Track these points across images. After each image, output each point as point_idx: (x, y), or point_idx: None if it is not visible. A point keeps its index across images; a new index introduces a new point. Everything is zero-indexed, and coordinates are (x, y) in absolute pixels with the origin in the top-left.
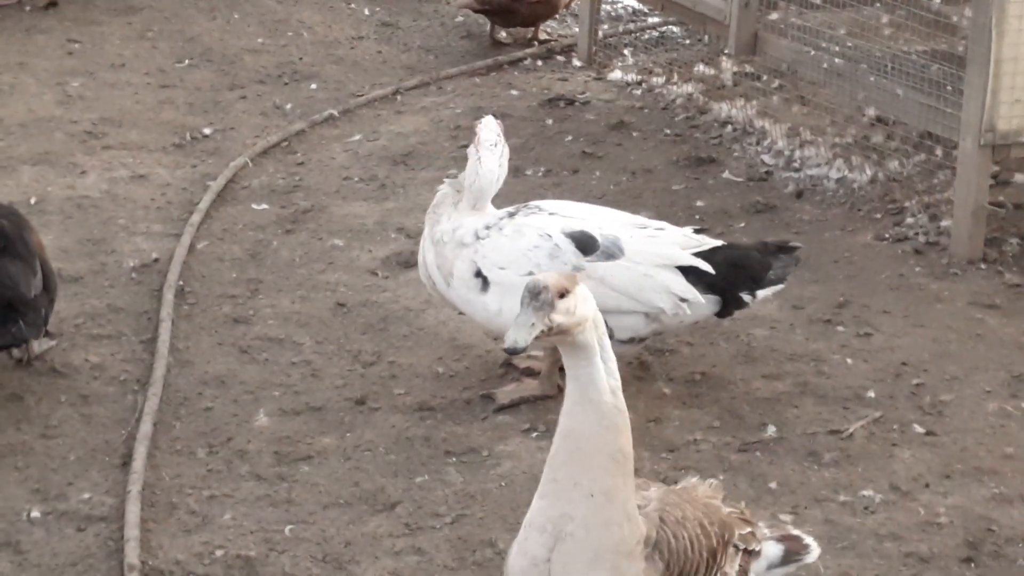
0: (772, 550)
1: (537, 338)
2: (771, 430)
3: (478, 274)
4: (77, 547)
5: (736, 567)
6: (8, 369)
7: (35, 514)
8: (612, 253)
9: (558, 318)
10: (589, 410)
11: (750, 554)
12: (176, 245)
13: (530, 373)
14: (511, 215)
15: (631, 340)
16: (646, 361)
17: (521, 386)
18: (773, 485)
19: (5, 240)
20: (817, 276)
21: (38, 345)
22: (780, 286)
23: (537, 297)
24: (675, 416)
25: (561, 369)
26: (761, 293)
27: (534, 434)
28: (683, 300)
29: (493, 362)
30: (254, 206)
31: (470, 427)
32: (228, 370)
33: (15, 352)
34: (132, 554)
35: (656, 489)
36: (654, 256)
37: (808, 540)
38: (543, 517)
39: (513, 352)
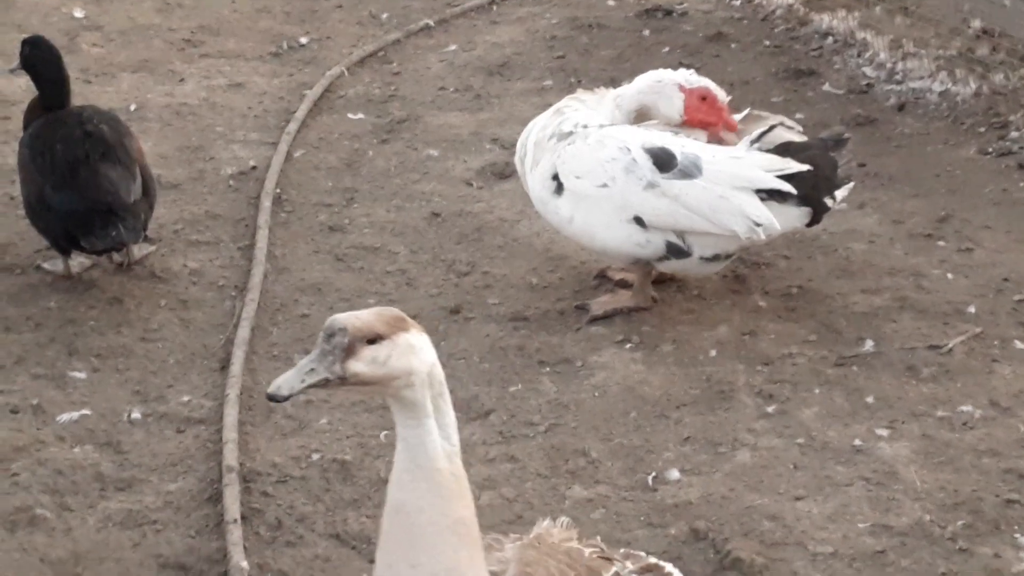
0: None
1: (319, 387)
2: (869, 345)
3: (555, 177)
4: (176, 448)
5: None
6: (109, 274)
7: (135, 415)
8: (689, 172)
9: (358, 367)
10: (420, 478)
11: None
12: (273, 153)
13: (624, 285)
14: (601, 125)
15: (715, 257)
16: (742, 275)
17: (615, 297)
18: (870, 399)
19: (105, 146)
20: (918, 190)
21: (138, 250)
22: (851, 184)
23: (329, 339)
24: (770, 329)
25: (655, 281)
26: (839, 194)
27: (628, 345)
28: (758, 224)
29: (587, 273)
30: (350, 115)
31: (564, 337)
32: (324, 278)
33: (115, 256)
34: (230, 456)
35: (512, 546)
36: (733, 178)
37: (670, 569)
38: None
39: (273, 400)
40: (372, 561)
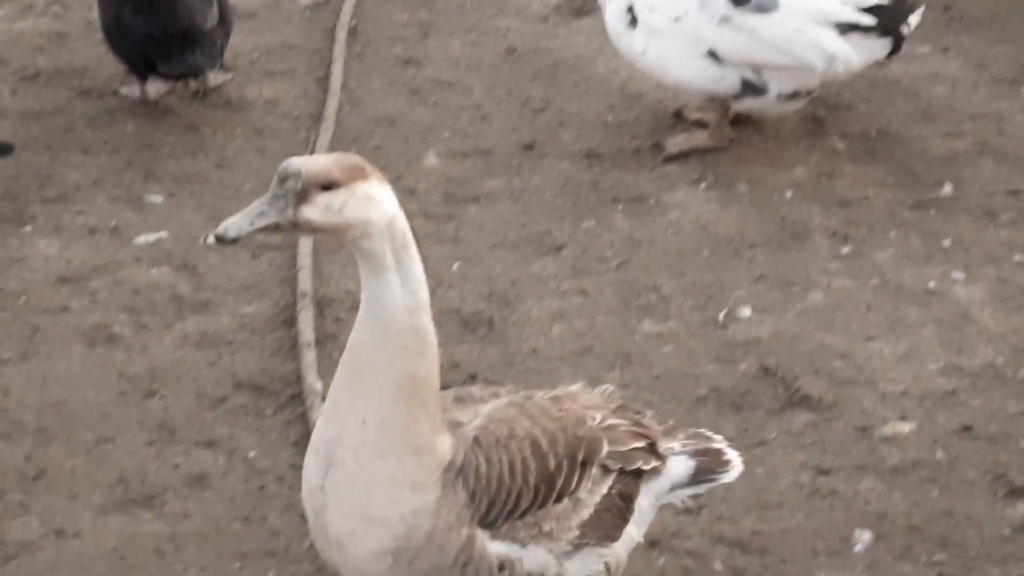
0: (679, 468)
1: (270, 231)
2: (947, 189)
3: (630, 10)
4: (251, 273)
5: (605, 490)
6: (185, 100)
7: (211, 240)
8: (765, 6)
9: (310, 214)
10: (375, 328)
11: (640, 474)
12: None
13: (701, 124)
14: None
15: (793, 95)
16: (820, 117)
17: (691, 136)
18: (946, 243)
19: None
20: (1004, 35)
21: (213, 77)
22: (922, 7)
23: (282, 183)
24: (848, 172)
25: (732, 121)
26: (912, 19)
27: (703, 185)
28: (835, 57)
29: (663, 112)
30: None
31: (638, 175)
32: (398, 110)
33: (191, 83)
34: (305, 281)
35: (493, 404)
36: (810, 11)
37: (730, 455)
38: (318, 438)
39: (221, 242)
40: (443, 387)
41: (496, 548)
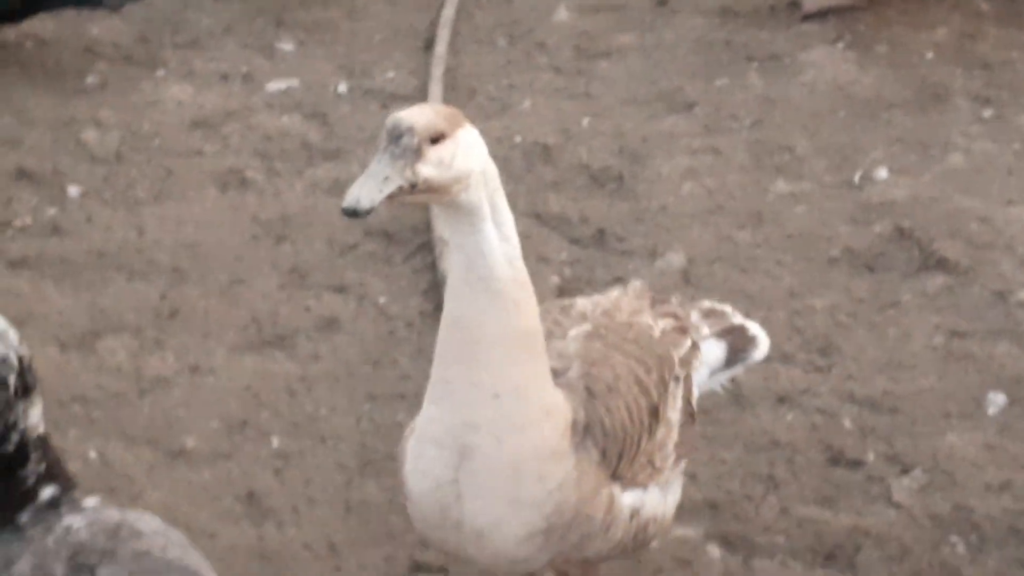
0: (713, 353)
1: (393, 196)
2: None
3: None
4: (381, 123)
5: (679, 404)
6: None
7: (342, 89)
8: None
9: (427, 171)
10: (479, 289)
11: (690, 376)
12: None
13: None
14: None
15: None
16: None
17: None
18: None
19: None
20: None
21: None
22: None
23: (398, 141)
24: (992, 34)
25: None
26: None
27: (840, 44)
28: None
29: None
30: None
31: (774, 33)
32: None
33: None
34: None
35: (575, 334)
36: None
37: (754, 330)
38: (439, 428)
39: (354, 215)
40: (573, 241)
41: (628, 499)
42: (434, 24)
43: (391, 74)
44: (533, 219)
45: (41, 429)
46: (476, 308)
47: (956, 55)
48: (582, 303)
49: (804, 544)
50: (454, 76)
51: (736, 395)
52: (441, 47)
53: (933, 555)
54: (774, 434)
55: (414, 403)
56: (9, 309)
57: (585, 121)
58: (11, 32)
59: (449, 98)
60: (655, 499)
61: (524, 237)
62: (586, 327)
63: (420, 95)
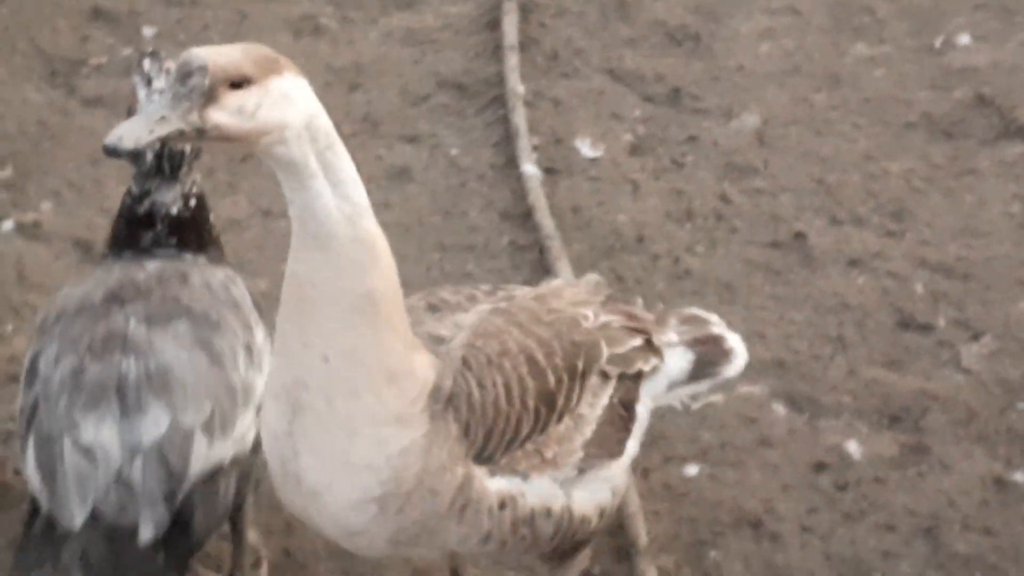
0: (677, 362)
1: (171, 138)
2: None
3: None
4: None
5: (606, 400)
6: None
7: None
8: None
9: (219, 117)
10: (312, 247)
11: (639, 377)
12: None
13: None
14: None
15: None
16: None
17: None
18: None
19: None
20: None
21: None
22: None
23: (185, 80)
24: None
25: None
26: None
27: None
28: None
29: None
30: None
31: None
32: None
33: None
34: None
35: (475, 312)
36: None
37: (733, 343)
38: (276, 382)
39: (113, 154)
40: (647, 99)
41: (497, 485)
42: None
43: None
44: (607, 75)
45: (175, 211)
46: (309, 266)
47: None
48: (522, 290)
49: (870, 405)
50: None
51: (807, 256)
52: None
53: (1000, 420)
54: (844, 296)
55: (482, 254)
56: (84, 146)
57: None
58: None
59: None
60: (543, 492)
61: (598, 93)
62: (499, 302)
63: None
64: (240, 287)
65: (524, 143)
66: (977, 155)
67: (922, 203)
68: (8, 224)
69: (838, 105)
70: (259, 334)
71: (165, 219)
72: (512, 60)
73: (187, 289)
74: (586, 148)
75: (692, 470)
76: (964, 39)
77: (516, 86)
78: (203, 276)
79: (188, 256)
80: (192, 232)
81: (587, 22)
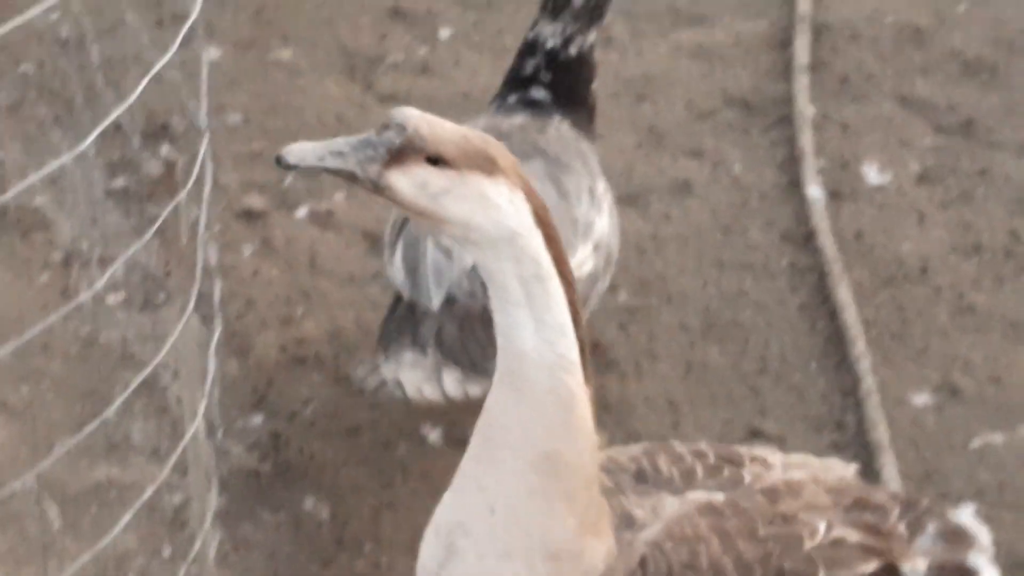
0: None
1: (343, 178)
2: None
3: None
4: None
5: None
6: None
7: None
8: None
9: (398, 182)
10: (507, 384)
11: None
12: None
13: None
14: None
15: None
16: None
17: None
18: None
19: None
20: None
21: None
22: None
23: (383, 131)
24: None
25: None
26: None
27: None
28: None
29: None
30: None
31: None
32: None
33: None
34: (803, 4)
35: (682, 501)
36: None
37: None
38: (441, 517)
39: (278, 164)
40: (938, 129)
41: None
42: None
43: None
44: (898, 102)
45: (550, 45)
46: (500, 404)
47: None
48: (757, 468)
49: None
50: None
51: None
52: None
53: None
54: None
55: (761, 274)
56: None
57: (962, 7)
58: None
59: None
60: None
61: (887, 120)
62: (719, 495)
63: None
64: (589, 147)
65: (810, 164)
66: None
67: None
68: (303, 211)
69: None
70: (600, 183)
71: (544, 52)
72: (802, 81)
73: (543, 137)
74: (873, 174)
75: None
76: None
77: (805, 107)
78: (559, 130)
79: (555, 116)
80: (565, 82)
81: (880, 47)
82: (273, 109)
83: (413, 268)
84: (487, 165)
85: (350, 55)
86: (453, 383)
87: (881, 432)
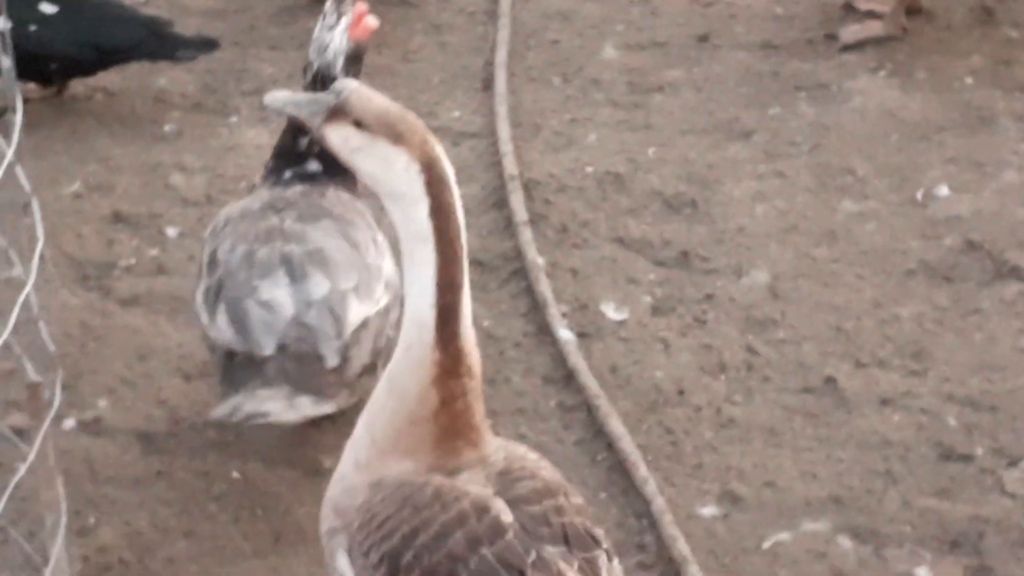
0: None
1: (299, 122)
2: None
3: None
4: (455, 159)
5: None
6: None
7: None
8: None
9: (330, 134)
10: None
11: None
12: None
13: (873, 15)
14: None
15: None
16: (989, 6)
17: (866, 26)
18: None
19: None
20: None
21: None
22: None
23: (330, 91)
24: None
25: (908, 10)
26: None
27: (881, 72)
28: None
29: (831, 3)
30: None
31: (816, 64)
32: (570, 6)
33: None
34: (510, 166)
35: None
36: None
37: None
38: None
39: (267, 107)
40: (658, 263)
41: None
42: (489, 65)
43: (456, 113)
44: (617, 244)
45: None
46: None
47: (994, 79)
48: None
49: (929, 533)
50: (516, 114)
51: (841, 399)
52: (501, 85)
53: None
54: (884, 434)
55: (533, 417)
56: (129, 344)
57: (651, 151)
58: (79, 85)
59: (516, 134)
60: None
61: (610, 261)
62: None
63: (488, 132)
64: (363, 205)
65: (554, 310)
66: (978, 296)
67: (937, 343)
68: (70, 422)
69: (839, 258)
70: (379, 235)
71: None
72: (526, 234)
73: (326, 200)
74: (612, 311)
75: None
76: (943, 190)
77: (535, 258)
78: (337, 195)
79: (330, 185)
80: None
81: (588, 195)
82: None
83: (241, 325)
84: (395, 135)
85: (80, 264)
86: (308, 405)
87: (681, 546)
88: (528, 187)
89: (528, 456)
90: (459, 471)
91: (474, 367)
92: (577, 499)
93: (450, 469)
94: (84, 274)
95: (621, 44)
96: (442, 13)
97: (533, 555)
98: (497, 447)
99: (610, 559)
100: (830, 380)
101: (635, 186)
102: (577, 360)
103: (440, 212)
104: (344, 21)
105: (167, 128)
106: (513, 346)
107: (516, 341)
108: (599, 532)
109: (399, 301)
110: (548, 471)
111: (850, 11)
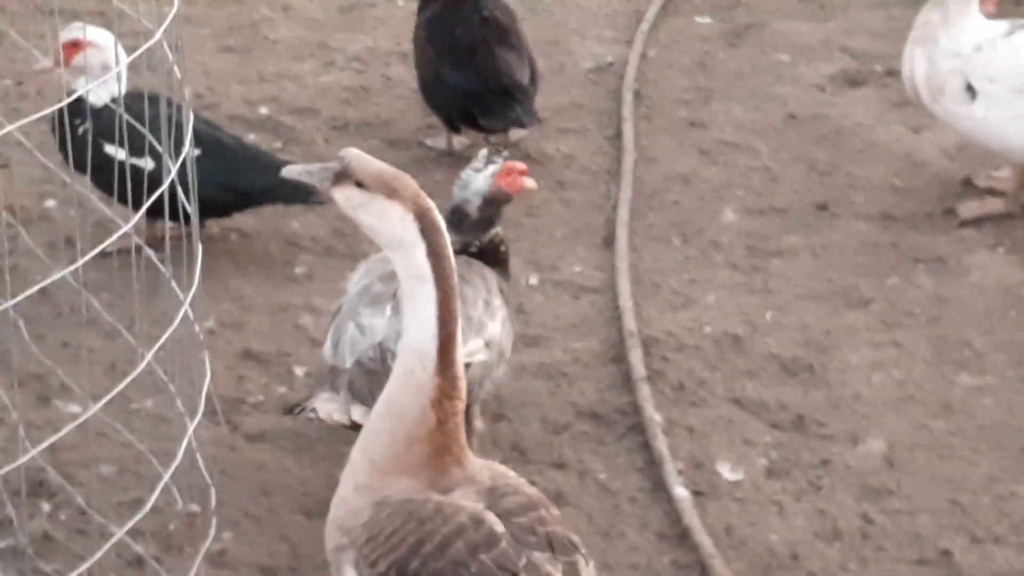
0: None
1: (313, 188)
2: None
3: (968, 88)
4: (575, 312)
5: None
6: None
7: (533, 281)
8: None
9: (337, 195)
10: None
11: None
12: (628, 51)
13: (992, 192)
14: (1008, 34)
15: None
16: None
17: (984, 204)
18: None
19: (502, 31)
20: None
21: (514, 132)
22: None
23: (336, 159)
24: None
25: None
26: None
27: (1000, 249)
28: None
29: (950, 179)
30: (697, 19)
31: (934, 237)
32: (690, 168)
33: (491, 138)
34: (629, 322)
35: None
36: None
37: None
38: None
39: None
40: (774, 426)
41: None
42: (610, 222)
43: (577, 268)
44: (734, 404)
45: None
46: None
47: None
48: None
49: None
50: (636, 271)
51: (956, 572)
52: (622, 243)
53: None
54: None
55: (646, 572)
56: (254, 479)
57: (768, 315)
58: (215, 226)
59: (635, 291)
60: None
61: (727, 421)
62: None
63: (608, 287)
64: (491, 273)
65: (670, 467)
66: None
67: None
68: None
69: (955, 431)
70: (496, 300)
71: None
72: (644, 390)
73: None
74: (727, 471)
75: None
76: None
77: (653, 414)
78: (468, 261)
79: (466, 256)
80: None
81: (705, 355)
82: (140, 456)
83: (336, 341)
84: (391, 190)
85: (210, 399)
86: (358, 413)
87: None
88: (646, 344)
89: (509, 474)
90: (452, 490)
91: (463, 390)
92: (555, 511)
93: (444, 488)
94: (214, 408)
95: (741, 208)
96: (566, 171)
97: (524, 560)
98: (481, 467)
99: (587, 563)
100: (945, 553)
101: (753, 348)
102: (692, 518)
103: (436, 254)
104: (491, 168)
105: (298, 270)
106: (628, 501)
107: (631, 496)
108: (576, 539)
109: (503, 362)
110: (528, 488)
111: (969, 187)
